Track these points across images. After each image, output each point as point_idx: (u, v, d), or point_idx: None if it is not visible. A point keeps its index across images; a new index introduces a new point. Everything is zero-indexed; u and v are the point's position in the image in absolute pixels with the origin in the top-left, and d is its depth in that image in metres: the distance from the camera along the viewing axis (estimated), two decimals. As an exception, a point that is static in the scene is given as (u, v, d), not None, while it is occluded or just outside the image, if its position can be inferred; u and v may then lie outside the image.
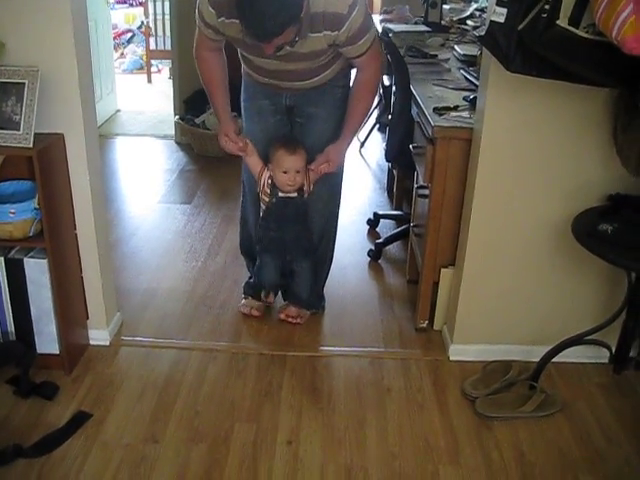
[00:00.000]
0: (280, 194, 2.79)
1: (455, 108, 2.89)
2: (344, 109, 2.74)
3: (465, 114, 2.83)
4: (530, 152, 2.56)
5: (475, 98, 2.76)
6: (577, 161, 2.56)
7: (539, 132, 2.53)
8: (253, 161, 2.80)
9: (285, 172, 2.72)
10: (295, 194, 2.80)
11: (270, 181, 2.78)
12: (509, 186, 2.61)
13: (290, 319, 3.10)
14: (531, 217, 2.66)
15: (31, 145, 2.38)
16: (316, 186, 2.84)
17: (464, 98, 3.02)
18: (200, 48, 2.67)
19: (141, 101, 7.00)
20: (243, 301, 3.20)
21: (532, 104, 2.48)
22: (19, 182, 2.58)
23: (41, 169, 2.39)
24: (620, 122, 2.40)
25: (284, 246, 2.91)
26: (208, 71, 2.71)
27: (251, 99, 2.85)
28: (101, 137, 5.16)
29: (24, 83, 2.39)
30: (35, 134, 2.40)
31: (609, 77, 2.12)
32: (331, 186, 2.94)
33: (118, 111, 6.54)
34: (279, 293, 3.21)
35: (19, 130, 2.39)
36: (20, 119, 2.39)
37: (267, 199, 2.82)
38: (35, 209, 2.47)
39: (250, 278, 3.24)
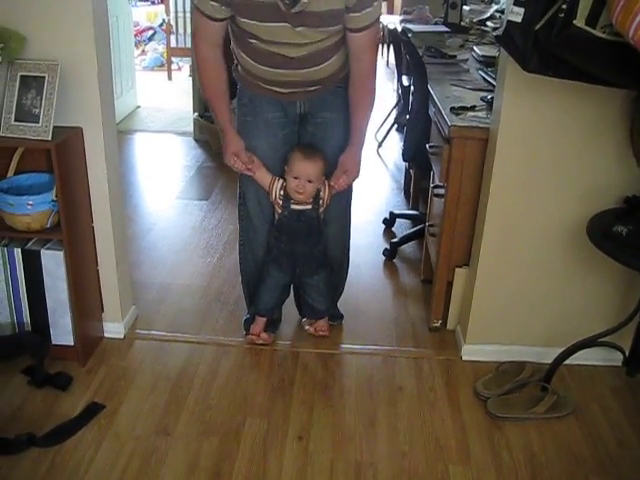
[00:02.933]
0: (293, 206, 2.65)
1: (472, 108, 2.89)
2: None
3: (482, 114, 2.83)
4: (546, 153, 2.55)
5: (493, 98, 2.76)
6: (593, 162, 2.56)
7: (555, 133, 2.52)
8: (261, 175, 2.65)
9: (296, 177, 2.59)
10: (309, 206, 2.67)
11: (282, 192, 2.64)
12: (525, 186, 2.61)
13: (321, 332, 2.98)
14: (546, 218, 2.65)
15: (50, 138, 2.41)
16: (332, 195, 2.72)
17: (482, 98, 3.02)
18: (200, 43, 2.45)
19: (161, 98, 7.05)
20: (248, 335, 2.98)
21: (549, 105, 2.47)
22: (37, 174, 2.61)
23: (59, 162, 2.42)
24: (637, 124, 2.39)
25: (294, 260, 2.78)
26: (210, 78, 2.52)
27: (258, 113, 2.63)
28: (120, 133, 5.21)
29: (44, 77, 2.42)
30: (54, 127, 2.42)
31: (626, 78, 2.11)
32: (347, 192, 2.80)
33: (138, 107, 6.59)
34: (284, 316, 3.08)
35: (38, 123, 2.42)
36: (39, 112, 2.42)
37: (280, 210, 2.68)
38: (53, 201, 2.50)
39: (248, 313, 3.03)
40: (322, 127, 2.66)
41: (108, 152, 2.65)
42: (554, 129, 2.52)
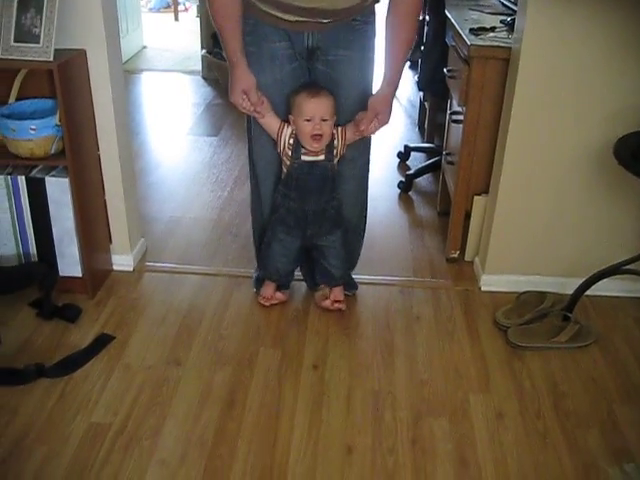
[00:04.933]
0: (303, 157, 2.36)
1: (492, 29, 2.78)
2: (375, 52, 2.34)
3: (502, 34, 2.71)
4: (570, 73, 2.43)
5: (513, 20, 2.63)
6: (619, 83, 2.44)
7: (580, 51, 2.39)
8: (269, 120, 2.33)
9: (308, 120, 2.27)
10: (322, 157, 2.36)
11: (292, 141, 2.35)
12: (548, 109, 2.49)
13: (337, 305, 2.65)
14: (570, 142, 2.54)
15: (51, 59, 2.30)
16: (348, 148, 2.42)
17: (501, 21, 2.91)
18: None
19: (168, 38, 6.91)
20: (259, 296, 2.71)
21: (573, 22, 2.34)
22: (40, 100, 2.51)
23: (62, 84, 2.32)
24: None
25: (305, 219, 2.46)
26: (225, 4, 2.18)
27: (261, 42, 2.27)
28: (127, 73, 5.11)
29: (43, -6, 2.31)
30: (56, 50, 2.32)
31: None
32: (365, 144, 2.49)
33: (144, 47, 6.46)
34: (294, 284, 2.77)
35: (39, 43, 2.31)
36: (40, 32, 2.31)
37: (289, 162, 2.38)
38: (56, 126, 2.40)
39: (256, 271, 2.77)
40: (335, 66, 2.31)
41: (113, 75, 2.55)
42: (579, 48, 2.39)
